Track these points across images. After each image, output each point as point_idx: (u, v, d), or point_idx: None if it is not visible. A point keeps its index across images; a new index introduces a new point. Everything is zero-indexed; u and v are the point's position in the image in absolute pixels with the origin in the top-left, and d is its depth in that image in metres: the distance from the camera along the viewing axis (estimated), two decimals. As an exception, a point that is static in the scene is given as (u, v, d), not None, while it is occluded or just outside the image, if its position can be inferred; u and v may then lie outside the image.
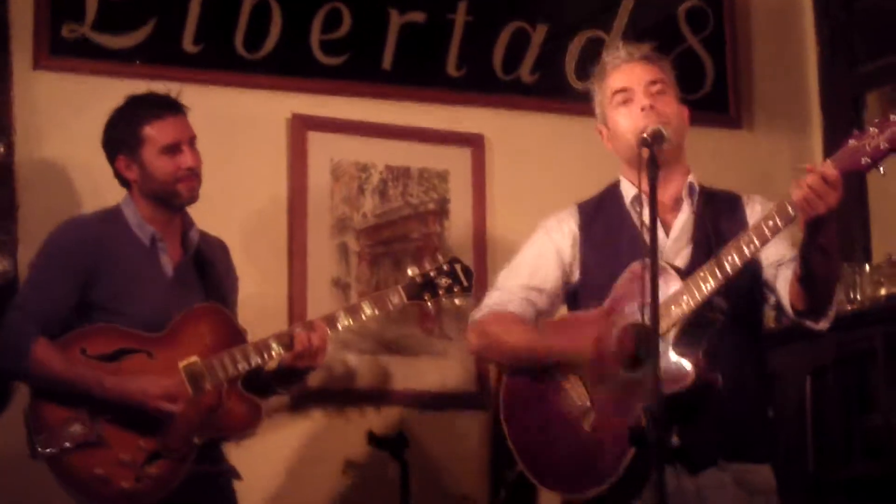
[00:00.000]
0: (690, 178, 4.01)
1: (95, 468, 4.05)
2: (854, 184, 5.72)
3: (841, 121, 5.88)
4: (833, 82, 5.94)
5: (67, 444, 4.05)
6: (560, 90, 5.63)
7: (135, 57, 5.09)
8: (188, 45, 5.16)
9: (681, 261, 3.85)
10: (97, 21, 5.04)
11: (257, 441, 4.72)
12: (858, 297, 5.10)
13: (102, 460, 4.06)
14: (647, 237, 3.82)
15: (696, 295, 3.67)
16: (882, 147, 3.48)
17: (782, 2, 6.07)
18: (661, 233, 3.88)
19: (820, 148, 5.95)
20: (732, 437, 3.78)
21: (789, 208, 3.60)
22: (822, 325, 3.84)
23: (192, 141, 4.31)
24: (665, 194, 3.93)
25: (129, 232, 4.31)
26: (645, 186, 3.60)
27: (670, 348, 3.66)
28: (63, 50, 5.00)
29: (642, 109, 3.90)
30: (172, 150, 4.26)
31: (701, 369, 3.65)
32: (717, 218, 3.91)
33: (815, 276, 3.71)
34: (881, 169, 3.51)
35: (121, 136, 4.31)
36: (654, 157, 3.59)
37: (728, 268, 3.65)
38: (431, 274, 4.46)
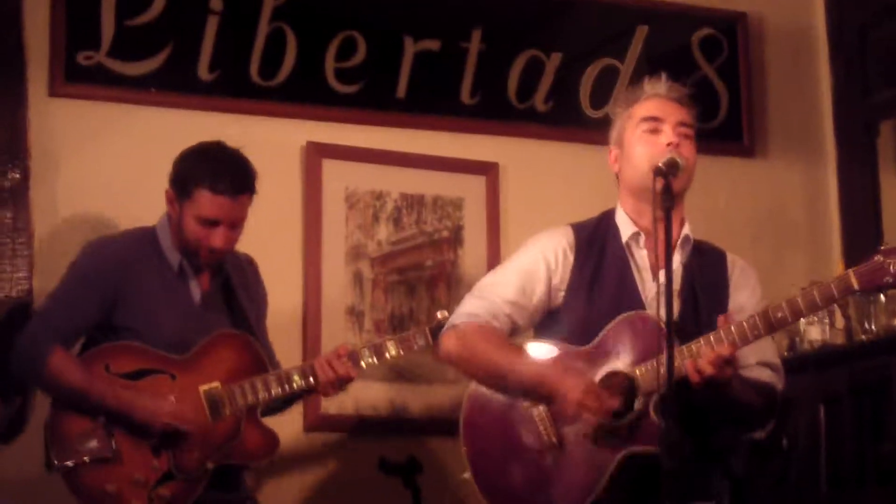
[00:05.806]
0: (687, 229, 3.98)
1: (107, 484, 4.09)
2: (870, 213, 5.74)
3: (855, 149, 5.88)
4: (847, 111, 5.93)
5: (82, 459, 4.09)
6: (574, 118, 5.64)
7: (150, 84, 5.11)
8: (203, 72, 5.17)
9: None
10: (113, 48, 5.06)
11: (269, 467, 4.74)
12: (873, 326, 5.09)
13: (115, 477, 4.10)
14: (643, 281, 3.91)
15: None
16: None
17: (796, 30, 6.07)
18: (652, 278, 3.88)
19: (833, 176, 5.95)
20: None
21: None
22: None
23: (234, 223, 4.27)
24: (661, 240, 3.86)
25: (160, 255, 4.34)
26: (654, 216, 3.59)
27: (653, 407, 3.68)
28: (78, 77, 5.02)
29: (668, 144, 3.86)
30: (210, 223, 4.24)
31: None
32: (703, 272, 3.92)
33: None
34: None
35: (179, 175, 4.29)
36: (669, 186, 3.54)
37: (737, 341, 3.69)
38: None
